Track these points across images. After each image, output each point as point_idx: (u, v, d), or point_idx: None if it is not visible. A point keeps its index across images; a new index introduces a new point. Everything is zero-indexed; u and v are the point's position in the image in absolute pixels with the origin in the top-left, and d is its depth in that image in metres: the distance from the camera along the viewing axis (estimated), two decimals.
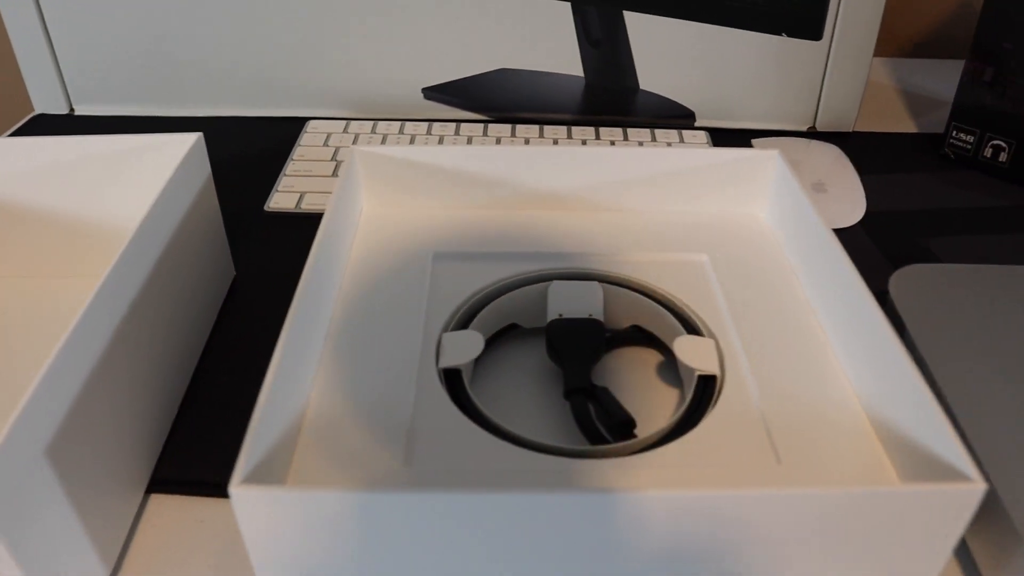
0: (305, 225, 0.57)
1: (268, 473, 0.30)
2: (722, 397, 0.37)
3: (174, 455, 0.40)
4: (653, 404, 0.41)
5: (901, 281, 0.47)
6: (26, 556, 0.29)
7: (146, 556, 0.36)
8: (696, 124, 0.71)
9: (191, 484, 0.39)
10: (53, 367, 0.30)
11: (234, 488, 0.26)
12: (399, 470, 0.33)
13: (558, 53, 0.69)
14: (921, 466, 0.32)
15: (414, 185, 0.47)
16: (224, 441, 0.41)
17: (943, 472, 0.30)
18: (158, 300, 0.40)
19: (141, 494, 0.38)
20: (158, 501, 0.38)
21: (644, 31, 0.68)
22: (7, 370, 0.44)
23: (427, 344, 0.39)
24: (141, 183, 0.46)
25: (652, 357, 0.43)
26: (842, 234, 0.58)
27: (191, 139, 0.45)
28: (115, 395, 0.35)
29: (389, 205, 0.48)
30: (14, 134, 0.71)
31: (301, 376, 0.35)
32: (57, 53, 0.72)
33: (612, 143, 0.66)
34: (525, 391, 0.41)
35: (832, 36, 0.67)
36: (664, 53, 0.69)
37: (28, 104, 0.75)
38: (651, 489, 0.27)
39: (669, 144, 0.67)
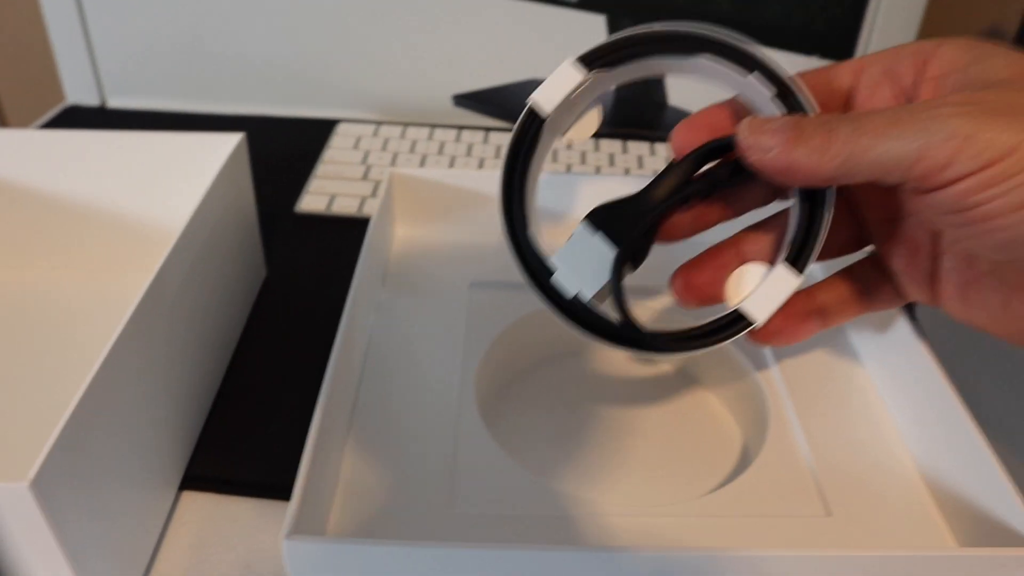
0: (335, 227, 0.58)
1: (314, 518, 0.30)
2: (767, 443, 0.36)
3: (206, 453, 0.40)
4: (702, 449, 0.41)
5: None
6: (67, 550, 0.29)
7: (179, 554, 0.36)
8: None
9: (223, 482, 0.39)
10: (105, 365, 0.30)
11: (287, 539, 0.26)
12: (444, 512, 0.32)
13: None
14: (979, 528, 0.31)
15: (451, 209, 0.47)
16: (255, 439, 0.41)
17: (1004, 536, 0.30)
18: (195, 300, 0.40)
19: (174, 491, 0.38)
20: (190, 498, 0.39)
21: None
22: (45, 363, 0.44)
23: (465, 377, 0.39)
24: (183, 181, 0.46)
25: (696, 404, 0.43)
26: None
27: (234, 139, 0.45)
28: (152, 392, 0.35)
29: (424, 229, 0.48)
30: (46, 125, 0.72)
31: (342, 414, 0.35)
32: (93, 45, 0.72)
33: (639, 158, 0.67)
34: (559, 425, 0.41)
35: None
36: None
37: (57, 93, 0.76)
38: (700, 547, 0.28)
39: None
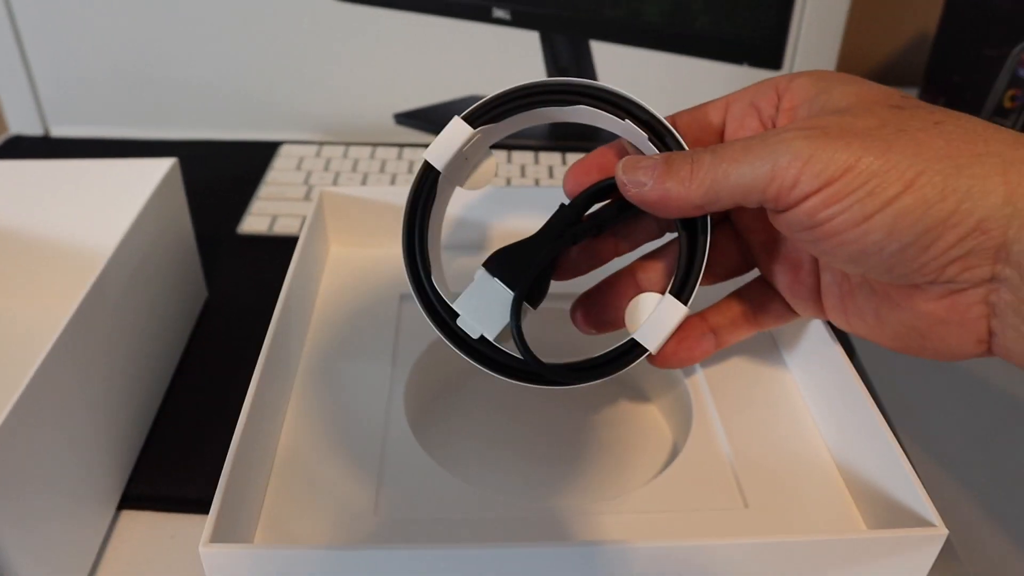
0: (277, 248, 0.58)
1: (239, 525, 0.30)
2: (690, 442, 0.38)
3: (146, 472, 0.41)
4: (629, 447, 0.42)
5: None
6: None
7: (117, 572, 0.37)
8: None
9: (162, 500, 0.40)
10: (30, 387, 0.31)
11: (203, 547, 0.27)
12: (369, 519, 0.33)
13: (525, 79, 0.71)
14: (886, 512, 0.33)
15: (380, 225, 0.48)
16: (195, 458, 0.42)
17: (907, 518, 0.31)
18: (131, 322, 0.41)
19: (112, 511, 0.39)
20: (129, 517, 0.39)
21: (610, 60, 0.70)
22: None
23: (395, 387, 0.40)
24: (117, 207, 0.47)
25: (629, 409, 0.44)
26: None
27: (166, 164, 0.46)
28: (88, 414, 0.36)
29: (356, 245, 0.49)
30: None
31: (271, 424, 0.36)
32: (34, 75, 0.73)
33: None
34: (490, 432, 0.42)
35: (792, 65, 0.70)
36: (629, 81, 0.71)
37: (1, 124, 0.76)
38: (620, 541, 0.28)
39: None
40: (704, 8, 0.67)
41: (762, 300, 0.36)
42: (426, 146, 0.69)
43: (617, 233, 0.36)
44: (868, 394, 0.35)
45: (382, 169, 0.67)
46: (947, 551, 0.36)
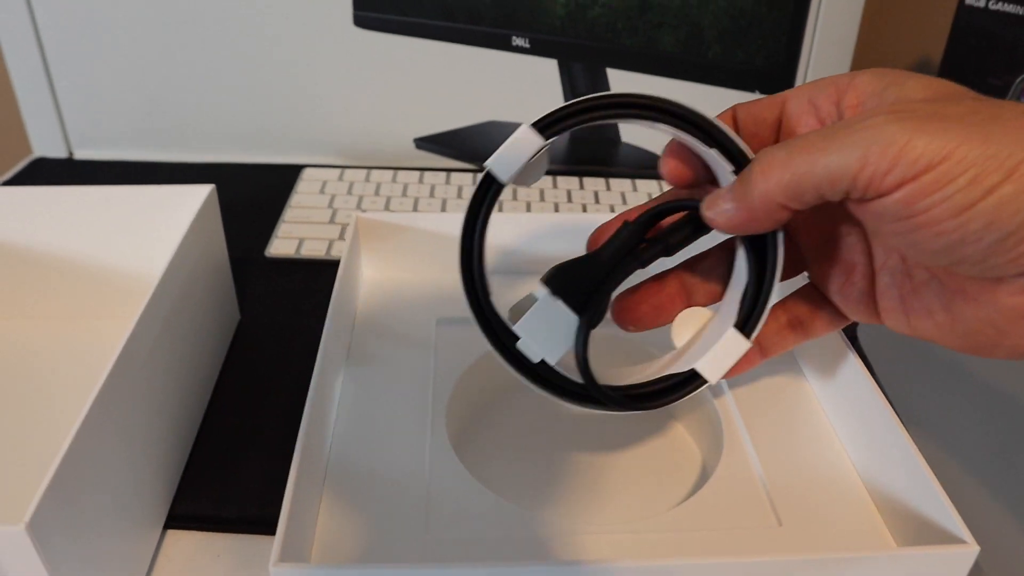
0: (305, 271, 0.60)
1: (298, 547, 0.31)
2: (723, 463, 0.39)
3: (189, 492, 0.42)
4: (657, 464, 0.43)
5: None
6: None
7: None
8: None
9: (206, 520, 0.41)
10: (92, 411, 0.32)
11: (274, 567, 0.28)
12: (419, 538, 0.34)
13: (544, 106, 0.72)
14: (916, 529, 0.34)
15: (415, 250, 0.49)
16: (235, 477, 0.42)
17: (937, 535, 0.32)
18: (173, 346, 0.42)
19: (159, 531, 0.40)
20: (175, 537, 0.40)
21: (626, 87, 0.72)
22: (25, 411, 0.46)
23: (437, 409, 0.41)
24: (156, 232, 0.48)
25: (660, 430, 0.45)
26: None
27: (205, 190, 0.47)
28: (134, 436, 0.37)
29: (391, 270, 0.50)
30: (13, 178, 0.73)
31: (322, 448, 0.37)
32: (59, 98, 0.74)
33: (595, 194, 0.70)
34: (528, 452, 0.43)
35: None
36: None
37: (24, 146, 0.77)
38: (661, 558, 0.30)
39: (650, 195, 0.71)
40: (717, 38, 0.69)
41: (810, 308, 0.36)
42: (446, 171, 0.71)
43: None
44: (893, 412, 0.36)
45: (404, 193, 0.68)
46: (973, 566, 0.38)
